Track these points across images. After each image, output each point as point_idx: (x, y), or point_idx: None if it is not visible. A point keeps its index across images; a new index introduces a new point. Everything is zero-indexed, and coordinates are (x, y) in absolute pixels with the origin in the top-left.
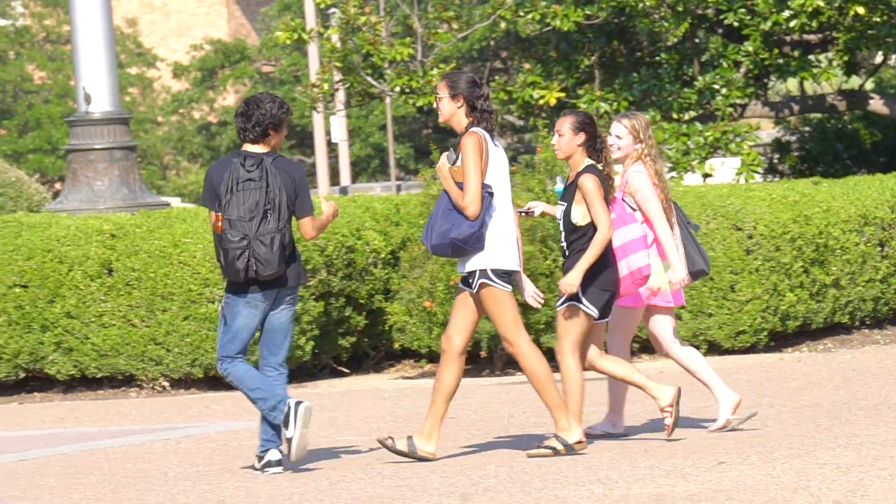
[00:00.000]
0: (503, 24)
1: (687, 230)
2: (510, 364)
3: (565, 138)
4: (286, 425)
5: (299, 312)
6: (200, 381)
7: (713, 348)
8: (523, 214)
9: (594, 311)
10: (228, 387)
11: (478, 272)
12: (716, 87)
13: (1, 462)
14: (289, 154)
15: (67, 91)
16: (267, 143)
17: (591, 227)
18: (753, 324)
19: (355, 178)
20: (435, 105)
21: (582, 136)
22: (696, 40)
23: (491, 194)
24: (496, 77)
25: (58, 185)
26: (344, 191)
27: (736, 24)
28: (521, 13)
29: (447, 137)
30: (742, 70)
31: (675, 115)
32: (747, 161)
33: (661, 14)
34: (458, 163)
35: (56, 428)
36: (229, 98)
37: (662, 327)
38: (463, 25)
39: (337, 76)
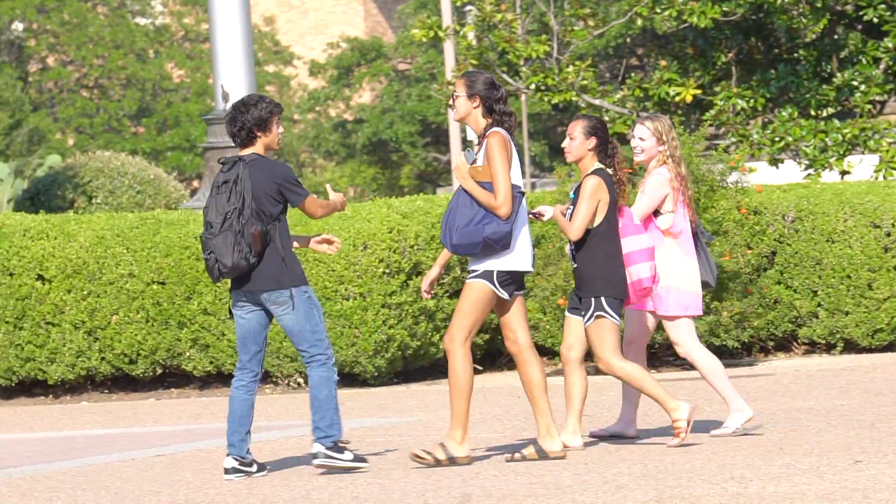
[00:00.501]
0: (639, 21)
1: (699, 240)
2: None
3: (576, 142)
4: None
5: (433, 309)
6: None
7: (850, 346)
8: (532, 217)
9: (618, 320)
10: (363, 383)
11: (481, 270)
12: (854, 83)
13: (138, 457)
14: (423, 151)
15: (206, 89)
16: (256, 145)
17: (599, 228)
18: (891, 322)
19: None
20: (451, 102)
21: (593, 141)
22: (835, 36)
23: (522, 194)
24: (632, 74)
25: (195, 183)
26: None
27: (875, 19)
28: (658, 10)
29: None
30: (881, 66)
31: (813, 112)
32: (886, 158)
33: (800, 10)
34: (479, 162)
35: (192, 424)
36: (365, 96)
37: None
38: (599, 22)
39: None
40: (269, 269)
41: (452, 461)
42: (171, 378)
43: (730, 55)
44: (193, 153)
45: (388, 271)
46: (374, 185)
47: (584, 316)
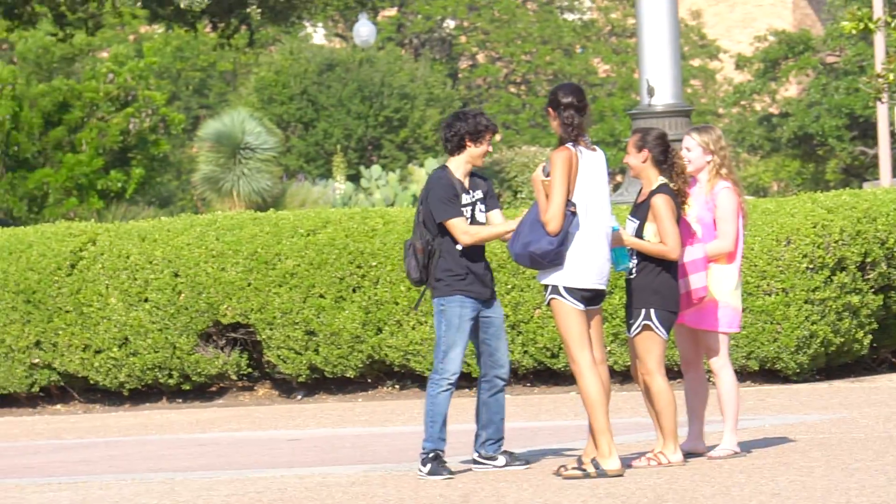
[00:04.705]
0: None
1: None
2: None
3: (631, 157)
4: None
5: (857, 306)
6: (756, 374)
7: None
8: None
9: (664, 334)
10: (785, 380)
11: (550, 287)
12: None
13: (560, 449)
14: (850, 145)
15: (631, 84)
16: (461, 155)
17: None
18: None
19: None
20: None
21: (645, 154)
22: None
23: (573, 213)
24: None
25: (618, 178)
26: None
27: None
28: None
29: None
30: None
31: None
32: None
33: None
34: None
35: (614, 418)
36: (791, 89)
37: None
38: None
39: None
40: (432, 277)
41: (603, 474)
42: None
43: None
44: (618, 148)
45: (811, 266)
46: (799, 180)
47: (630, 326)
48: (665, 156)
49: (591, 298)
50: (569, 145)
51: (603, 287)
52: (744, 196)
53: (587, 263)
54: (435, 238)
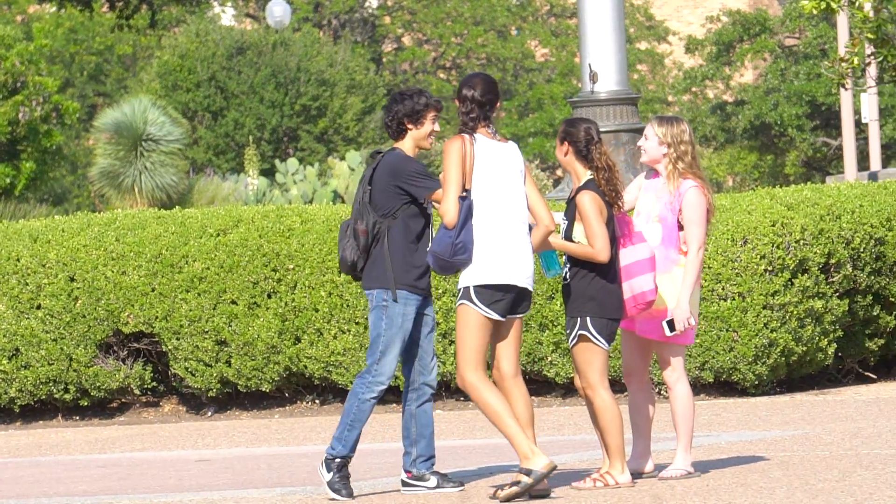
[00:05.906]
0: None
1: None
2: None
3: (557, 150)
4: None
5: (820, 311)
6: (710, 386)
7: None
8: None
9: (604, 344)
10: (742, 392)
11: (461, 290)
12: None
13: (496, 469)
14: (811, 136)
15: (571, 69)
16: (405, 139)
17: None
18: None
19: (886, 162)
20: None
21: (566, 147)
22: None
23: (463, 198)
24: None
25: (559, 172)
26: (874, 176)
27: None
28: None
29: None
30: None
31: None
32: None
33: None
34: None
35: (554, 435)
36: (747, 74)
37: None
38: None
39: (868, 49)
40: (369, 267)
41: (537, 476)
42: (532, 385)
43: None
44: None
45: (770, 269)
46: (756, 174)
47: (567, 335)
48: (587, 147)
49: (511, 304)
50: (463, 135)
51: (523, 286)
52: (711, 194)
53: (497, 258)
54: (384, 221)
